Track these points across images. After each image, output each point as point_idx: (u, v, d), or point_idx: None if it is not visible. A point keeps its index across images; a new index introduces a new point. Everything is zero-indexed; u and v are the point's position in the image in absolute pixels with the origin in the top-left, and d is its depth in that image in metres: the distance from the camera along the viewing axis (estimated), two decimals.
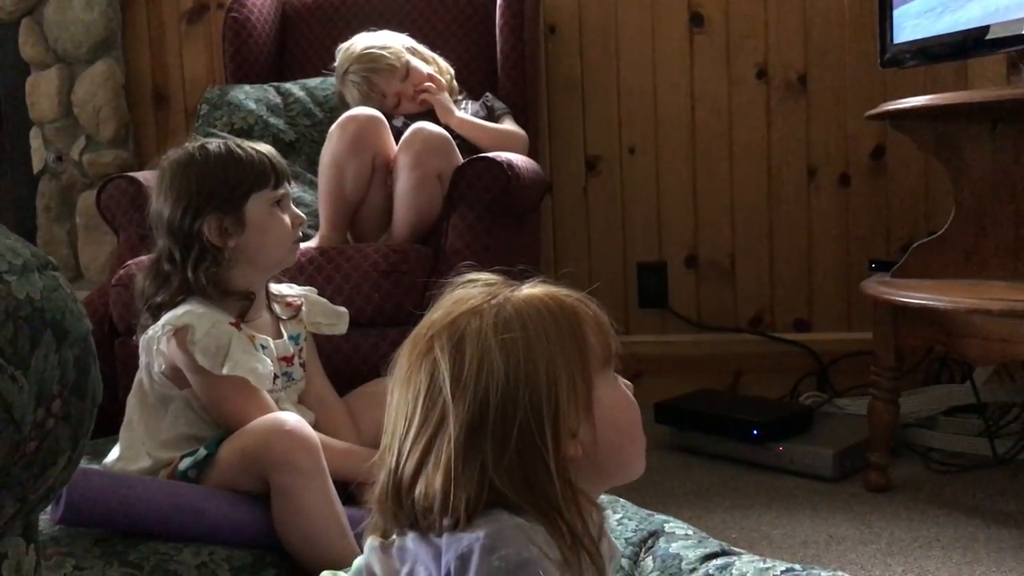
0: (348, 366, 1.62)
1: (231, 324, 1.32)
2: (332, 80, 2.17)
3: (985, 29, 1.70)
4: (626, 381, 0.90)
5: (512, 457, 0.79)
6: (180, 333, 1.28)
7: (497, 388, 0.80)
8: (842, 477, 1.85)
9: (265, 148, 1.40)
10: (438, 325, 0.85)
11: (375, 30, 2.10)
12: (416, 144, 1.75)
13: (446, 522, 0.79)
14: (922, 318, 1.66)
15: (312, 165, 2.10)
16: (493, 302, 0.85)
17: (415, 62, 2.04)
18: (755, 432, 1.92)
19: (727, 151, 2.44)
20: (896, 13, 1.85)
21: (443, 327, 0.84)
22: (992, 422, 1.93)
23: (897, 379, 1.77)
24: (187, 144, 1.39)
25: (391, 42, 2.05)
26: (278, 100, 2.19)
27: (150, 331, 1.31)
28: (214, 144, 1.37)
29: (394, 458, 0.84)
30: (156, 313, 1.33)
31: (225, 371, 1.27)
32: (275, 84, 2.23)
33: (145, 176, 1.90)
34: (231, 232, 1.35)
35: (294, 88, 2.20)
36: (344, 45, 2.08)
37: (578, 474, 0.83)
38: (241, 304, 1.37)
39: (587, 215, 2.52)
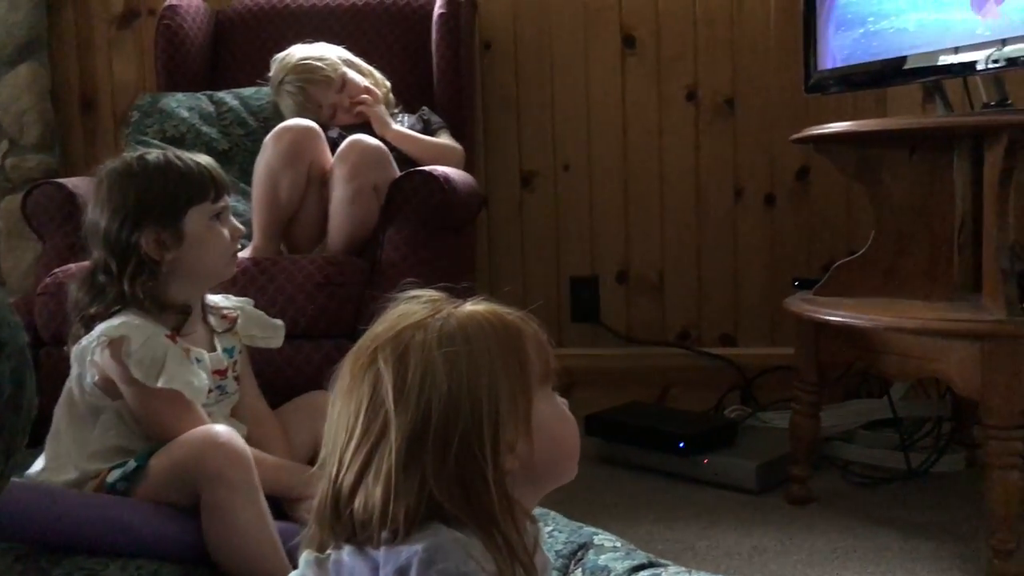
0: (280, 379, 1.62)
1: (167, 337, 1.31)
2: (267, 90, 2.16)
3: (903, 59, 1.78)
4: (562, 398, 0.93)
5: (452, 469, 0.81)
6: (115, 344, 1.26)
7: (439, 401, 0.82)
8: (765, 489, 1.90)
9: (205, 160, 1.40)
10: (382, 338, 0.86)
11: (311, 42, 2.10)
12: (353, 156, 1.76)
13: (384, 535, 0.80)
14: (843, 335, 1.72)
15: (246, 175, 2.09)
16: (437, 317, 0.87)
17: (351, 74, 2.05)
18: (681, 444, 1.97)
19: (658, 170, 2.49)
20: (821, 41, 1.91)
21: (387, 340, 0.86)
22: (907, 436, 2.01)
23: (818, 394, 1.83)
24: (126, 154, 1.38)
25: (328, 54, 2.05)
26: (211, 109, 2.17)
27: (83, 341, 1.29)
28: (153, 155, 1.36)
29: (334, 469, 0.84)
30: (89, 324, 1.31)
31: (160, 384, 1.26)
32: (208, 93, 2.21)
33: (74, 183, 1.87)
34: (169, 245, 1.34)
35: (228, 97, 2.19)
36: (280, 56, 2.07)
37: (514, 486, 0.85)
38: (177, 317, 1.36)
39: (522, 230, 2.55)
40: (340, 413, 0.86)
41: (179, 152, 1.39)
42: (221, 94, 2.20)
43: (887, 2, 1.77)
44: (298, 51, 2.05)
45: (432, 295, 0.92)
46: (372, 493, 0.81)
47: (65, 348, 1.36)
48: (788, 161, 2.44)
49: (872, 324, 1.58)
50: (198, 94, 2.20)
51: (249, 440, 1.36)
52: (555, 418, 0.90)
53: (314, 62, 2.02)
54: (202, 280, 1.41)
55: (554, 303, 2.51)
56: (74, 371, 1.32)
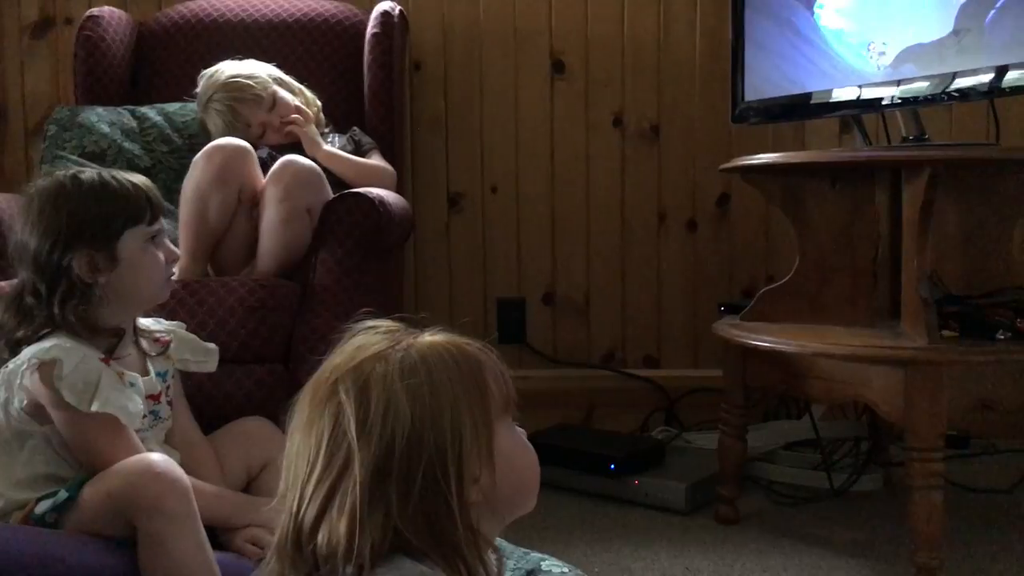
0: (210, 404, 1.57)
1: (101, 360, 1.27)
2: (192, 106, 2.11)
3: (808, 95, 1.85)
4: (520, 428, 0.93)
5: (416, 502, 0.80)
6: (46, 367, 1.21)
7: (403, 433, 0.81)
8: (694, 509, 1.93)
9: (140, 180, 1.35)
10: (342, 370, 0.85)
11: (241, 58, 2.07)
12: (286, 177, 1.73)
13: (349, 569, 0.79)
14: (769, 360, 1.77)
15: (170, 193, 2.02)
16: (397, 348, 0.86)
17: (282, 93, 2.02)
18: (612, 466, 1.99)
19: (584, 193, 2.52)
20: (748, 72, 1.97)
21: (347, 372, 0.85)
22: (828, 456, 2.07)
23: (745, 416, 1.88)
24: (58, 173, 1.32)
25: (258, 71, 2.02)
26: (133, 124, 2.11)
27: (11, 364, 1.24)
28: (87, 175, 1.31)
29: (295, 503, 0.83)
30: (15, 348, 1.26)
31: (94, 408, 1.22)
32: (130, 108, 2.14)
33: None
34: (102, 268, 1.29)
35: (151, 113, 2.13)
36: (208, 72, 2.03)
37: (478, 518, 0.85)
38: (109, 340, 1.31)
39: (449, 251, 2.55)
40: (300, 446, 0.85)
41: (114, 172, 1.35)
42: (144, 109, 2.14)
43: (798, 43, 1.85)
44: (227, 68, 2.01)
45: (389, 325, 0.91)
46: (336, 527, 0.80)
47: None
48: (709, 188, 2.50)
49: (800, 350, 1.63)
50: (119, 108, 2.14)
51: (182, 466, 1.31)
52: (516, 449, 0.91)
53: (244, 80, 1.98)
54: (136, 304, 1.37)
55: (481, 324, 2.51)
56: (0, 396, 1.26)
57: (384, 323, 0.92)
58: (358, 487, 0.80)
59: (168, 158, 2.08)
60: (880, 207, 1.83)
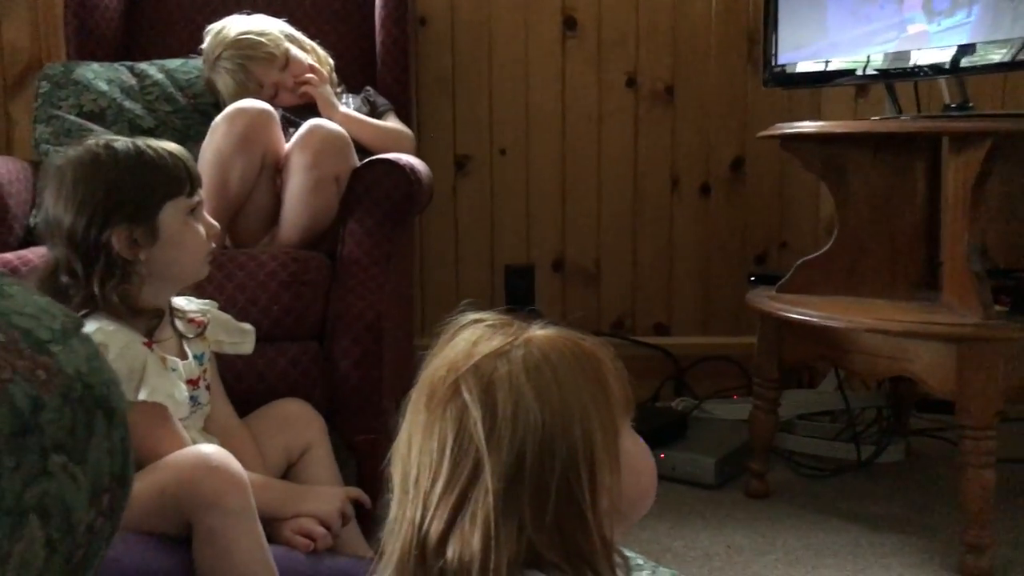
0: (241, 385, 1.49)
1: (144, 344, 1.18)
2: (195, 63, 1.99)
3: (826, 63, 1.81)
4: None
5: (551, 513, 0.75)
6: None
7: (534, 439, 0.75)
8: (723, 483, 1.91)
9: (176, 148, 1.26)
10: (460, 368, 0.79)
11: (248, 13, 1.95)
12: (315, 143, 1.64)
13: None
14: (808, 333, 1.74)
15: None
16: (516, 343, 0.80)
17: (295, 51, 1.91)
18: None
19: (596, 157, 2.45)
20: (782, 33, 1.91)
21: (467, 371, 0.78)
22: (854, 427, 2.05)
23: (778, 390, 1.85)
24: (90, 141, 1.22)
25: (269, 27, 1.90)
26: (133, 82, 1.98)
27: None
28: (121, 144, 1.21)
29: (418, 514, 0.77)
30: None
31: (141, 397, 1.14)
32: (128, 64, 2.01)
33: None
34: (142, 244, 1.20)
35: (151, 69, 2.00)
36: (215, 27, 1.91)
37: (609, 527, 0.80)
38: (150, 322, 1.23)
39: (455, 216, 2.47)
40: (419, 451, 0.79)
41: (148, 140, 1.25)
42: (143, 65, 2.01)
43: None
44: (236, 24, 1.89)
45: (497, 318, 0.85)
46: (469, 541, 0.74)
47: None
48: (724, 151, 2.45)
49: (850, 326, 1.59)
50: (116, 64, 2.00)
51: None
52: (639, 451, 0.85)
53: (255, 37, 1.87)
54: (177, 281, 1.28)
55: (488, 292, 2.45)
56: None
57: (489, 315, 0.86)
58: (491, 497, 0.74)
59: (172, 118, 1.95)
60: (918, 176, 1.79)
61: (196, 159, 1.55)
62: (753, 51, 2.40)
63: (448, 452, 0.77)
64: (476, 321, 0.85)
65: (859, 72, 1.78)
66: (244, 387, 1.50)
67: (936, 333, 1.52)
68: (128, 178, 1.19)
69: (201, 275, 1.30)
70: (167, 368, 1.21)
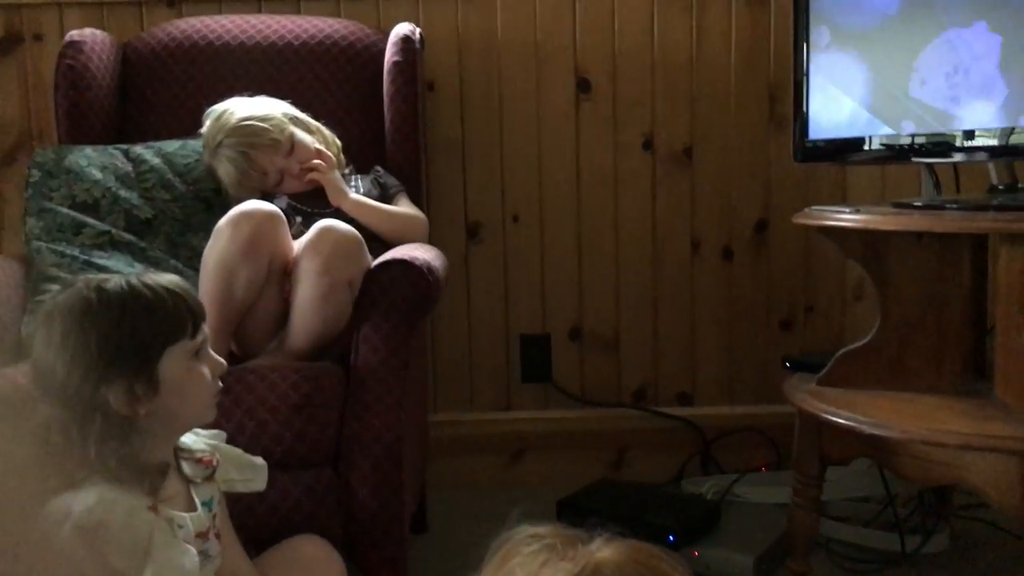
0: (252, 517, 1.39)
1: (148, 509, 1.08)
2: (193, 145, 1.89)
3: (861, 140, 1.72)
4: None
5: None
6: (90, 533, 1.02)
7: None
8: None
9: (173, 283, 1.15)
10: None
11: (251, 95, 1.85)
12: (326, 248, 1.53)
13: None
14: (852, 433, 1.63)
15: (175, 248, 1.82)
16: (585, 572, 0.71)
17: (300, 135, 1.81)
18: (671, 538, 1.85)
19: (612, 221, 2.35)
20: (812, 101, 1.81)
21: None
22: (897, 516, 1.94)
23: (819, 487, 1.74)
24: (79, 284, 1.11)
25: (272, 112, 1.80)
26: (129, 168, 1.87)
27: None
28: (113, 285, 1.11)
29: None
30: None
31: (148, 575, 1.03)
32: (123, 147, 1.90)
33: None
34: (142, 398, 1.09)
35: (147, 154, 1.89)
36: (215, 111, 1.81)
37: None
38: (153, 479, 1.12)
39: (468, 284, 2.36)
40: None
41: (142, 276, 1.14)
42: (139, 149, 1.90)
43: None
44: (238, 108, 1.79)
45: (557, 534, 0.75)
46: None
47: None
48: (746, 214, 2.35)
49: (904, 436, 1.49)
50: (110, 148, 1.89)
51: None
52: None
53: (258, 123, 1.76)
54: (181, 431, 1.18)
55: (503, 363, 2.33)
56: None
57: (547, 530, 0.76)
58: None
59: (171, 207, 1.85)
60: (964, 261, 1.69)
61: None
62: (775, 108, 2.31)
63: None
64: (533, 537, 0.75)
65: (896, 147, 1.69)
66: (255, 521, 1.39)
67: (998, 447, 1.42)
68: (123, 327, 1.09)
69: (208, 419, 1.20)
70: (175, 532, 1.11)
